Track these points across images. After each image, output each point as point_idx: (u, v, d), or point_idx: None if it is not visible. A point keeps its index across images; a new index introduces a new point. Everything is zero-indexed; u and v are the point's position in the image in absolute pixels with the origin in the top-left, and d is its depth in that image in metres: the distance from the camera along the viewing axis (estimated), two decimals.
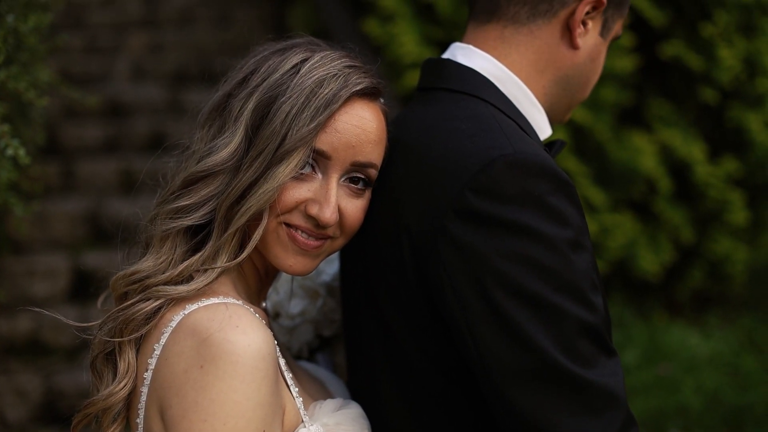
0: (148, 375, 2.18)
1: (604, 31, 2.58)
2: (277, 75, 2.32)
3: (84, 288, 6.52)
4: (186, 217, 2.29)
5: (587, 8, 2.47)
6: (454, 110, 2.42)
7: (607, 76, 7.12)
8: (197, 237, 2.33)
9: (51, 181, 7.42)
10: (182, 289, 2.22)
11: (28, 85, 3.62)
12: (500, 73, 2.49)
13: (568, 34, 2.50)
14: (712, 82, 7.40)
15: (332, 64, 2.32)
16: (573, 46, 2.51)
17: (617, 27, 2.64)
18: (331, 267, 2.90)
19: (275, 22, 9.90)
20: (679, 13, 7.42)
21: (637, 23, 7.28)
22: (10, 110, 3.85)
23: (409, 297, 2.34)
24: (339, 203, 2.34)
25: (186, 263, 2.26)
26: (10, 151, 3.31)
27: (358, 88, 2.32)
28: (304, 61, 2.33)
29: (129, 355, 2.24)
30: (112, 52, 9.60)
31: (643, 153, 7.31)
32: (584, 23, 2.50)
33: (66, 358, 6.20)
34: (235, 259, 2.30)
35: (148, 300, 2.23)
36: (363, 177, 2.38)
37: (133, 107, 8.67)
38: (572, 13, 2.48)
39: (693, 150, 7.44)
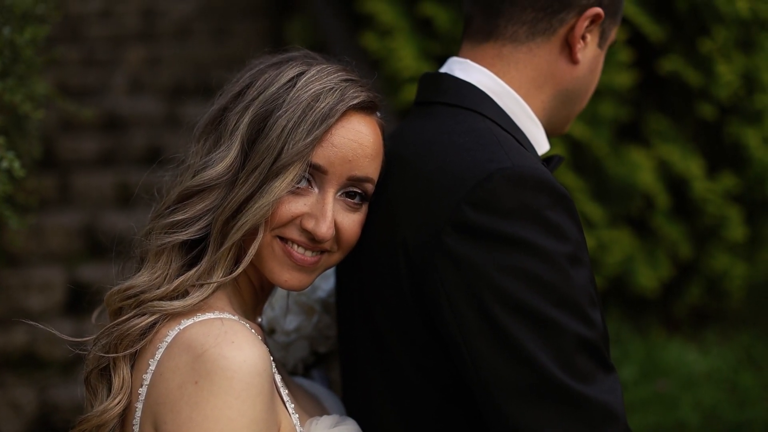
0: (143, 391, 2.17)
1: (601, 42, 2.59)
2: (273, 89, 2.31)
3: (79, 301, 6.49)
4: (181, 231, 2.28)
5: (586, 23, 2.47)
6: (451, 124, 2.41)
7: (605, 92, 7.12)
8: (193, 252, 2.32)
9: (47, 194, 7.40)
10: (177, 304, 2.20)
11: (24, 97, 3.62)
12: (498, 88, 2.48)
13: (568, 49, 2.50)
14: (711, 97, 7.40)
15: (328, 78, 2.32)
16: (573, 61, 2.51)
17: (613, 34, 2.64)
18: (326, 283, 2.88)
19: (273, 35, 9.91)
20: (677, 28, 7.42)
21: (635, 39, 7.28)
22: (6, 123, 3.85)
23: (406, 312, 2.33)
24: (335, 218, 2.33)
25: (181, 278, 2.25)
26: (5, 164, 3.30)
27: (354, 102, 2.31)
28: (300, 74, 2.32)
29: (124, 371, 2.22)
30: (109, 65, 9.60)
31: (641, 168, 7.31)
32: (583, 37, 2.50)
33: (61, 372, 6.17)
34: (230, 273, 2.29)
35: (143, 315, 2.22)
36: (359, 191, 2.37)
37: (130, 120, 8.66)
38: (571, 29, 2.48)
39: (691, 166, 7.43)
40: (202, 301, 2.23)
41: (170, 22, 10.50)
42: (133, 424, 2.19)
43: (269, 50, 2.51)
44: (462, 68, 2.54)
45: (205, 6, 10.71)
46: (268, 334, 2.88)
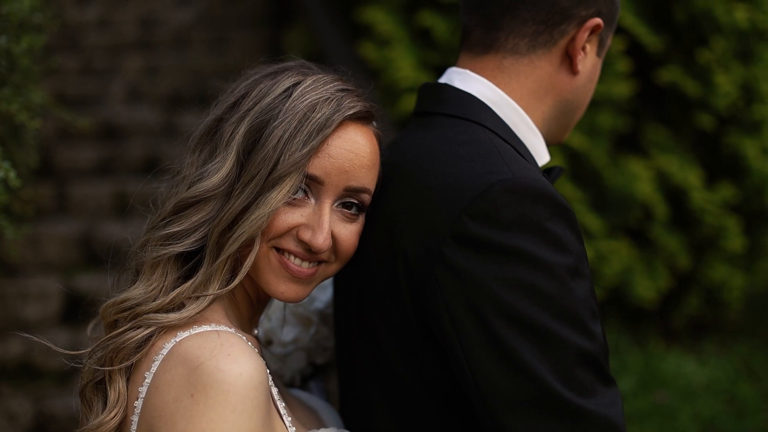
0: (138, 404, 2.15)
1: (600, 50, 2.60)
2: (268, 99, 2.30)
3: (76, 311, 6.49)
4: (177, 243, 2.26)
5: (586, 33, 2.46)
6: (451, 135, 2.40)
7: (603, 102, 7.12)
8: (189, 263, 2.30)
9: (44, 204, 7.40)
10: (173, 317, 2.18)
11: (21, 107, 3.60)
12: (498, 99, 2.47)
13: (568, 60, 2.50)
14: (709, 108, 7.41)
15: (325, 88, 2.30)
16: (573, 72, 2.51)
17: (609, 40, 2.64)
18: (324, 294, 2.87)
19: (271, 45, 9.92)
20: (675, 39, 7.43)
21: (633, 49, 7.29)
22: (2, 132, 3.83)
23: (404, 322, 2.32)
24: (332, 228, 2.32)
25: (177, 291, 2.23)
26: (1, 174, 3.28)
27: (351, 112, 2.30)
28: (296, 84, 2.31)
29: (119, 384, 2.21)
30: (107, 75, 9.62)
31: (639, 179, 7.31)
32: (582, 48, 2.49)
33: (57, 382, 6.16)
34: (227, 285, 2.27)
35: (139, 328, 2.20)
36: (356, 202, 2.36)
37: (127, 130, 8.67)
38: (572, 40, 2.47)
39: (689, 176, 7.43)
40: (198, 313, 2.21)
41: (168, 32, 10.51)
42: None
43: (265, 60, 2.50)
44: (462, 79, 2.53)
45: (203, 15, 10.73)
46: (264, 345, 2.86)
